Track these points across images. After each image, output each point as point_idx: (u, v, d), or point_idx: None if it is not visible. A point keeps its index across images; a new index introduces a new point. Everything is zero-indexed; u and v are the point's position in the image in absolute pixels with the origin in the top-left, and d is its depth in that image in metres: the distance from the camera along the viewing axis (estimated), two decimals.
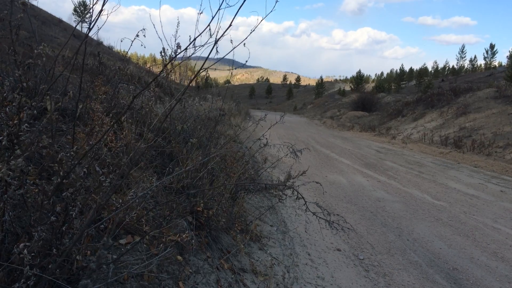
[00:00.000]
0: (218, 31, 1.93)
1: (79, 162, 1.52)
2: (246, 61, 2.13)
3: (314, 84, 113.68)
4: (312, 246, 4.77)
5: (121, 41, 2.87)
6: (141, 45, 2.81)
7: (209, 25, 1.94)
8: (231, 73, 2.75)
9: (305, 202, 2.92)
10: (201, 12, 1.99)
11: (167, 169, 2.82)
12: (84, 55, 2.04)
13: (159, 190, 2.65)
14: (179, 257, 2.36)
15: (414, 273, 4.37)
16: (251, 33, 2.11)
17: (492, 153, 16.17)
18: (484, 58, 79.65)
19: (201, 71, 2.13)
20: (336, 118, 46.01)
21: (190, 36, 2.40)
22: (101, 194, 1.59)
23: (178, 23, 3.04)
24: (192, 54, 2.03)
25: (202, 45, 1.89)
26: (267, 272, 3.36)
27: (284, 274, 3.59)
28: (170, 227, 2.43)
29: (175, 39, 3.49)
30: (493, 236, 5.82)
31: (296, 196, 2.78)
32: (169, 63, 1.97)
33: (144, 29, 2.84)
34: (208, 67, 2.17)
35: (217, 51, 2.07)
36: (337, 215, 3.80)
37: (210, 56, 3.29)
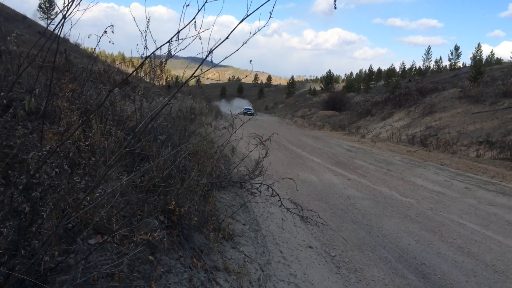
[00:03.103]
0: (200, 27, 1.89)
1: (45, 161, 1.46)
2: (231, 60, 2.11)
3: (285, 83, 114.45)
4: (285, 244, 4.79)
5: (89, 37, 2.79)
6: (109, 42, 2.74)
7: (194, 18, 1.91)
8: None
9: (280, 198, 2.92)
10: (188, 5, 1.95)
11: (135, 166, 2.76)
12: (55, 52, 1.97)
13: (129, 189, 2.60)
14: (150, 257, 2.32)
15: (384, 269, 4.45)
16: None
17: (457, 151, 16.67)
18: (449, 59, 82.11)
19: (197, 73, 2.09)
20: (307, 117, 46.46)
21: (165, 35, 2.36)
22: (75, 196, 1.53)
23: (149, 18, 2.99)
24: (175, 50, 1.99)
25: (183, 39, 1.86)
26: (240, 270, 3.34)
27: (257, 272, 3.59)
28: (141, 226, 2.38)
29: (145, 36, 3.44)
30: (459, 231, 5.99)
31: (271, 193, 2.77)
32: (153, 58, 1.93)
33: (112, 25, 2.77)
34: (204, 72, 2.14)
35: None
36: (311, 210, 3.82)
37: (179, 55, 3.25)
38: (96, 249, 1.85)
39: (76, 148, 2.40)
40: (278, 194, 2.90)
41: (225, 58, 1.91)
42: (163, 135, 3.86)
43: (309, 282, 3.89)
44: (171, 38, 1.93)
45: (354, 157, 14.47)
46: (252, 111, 59.35)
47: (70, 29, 2.34)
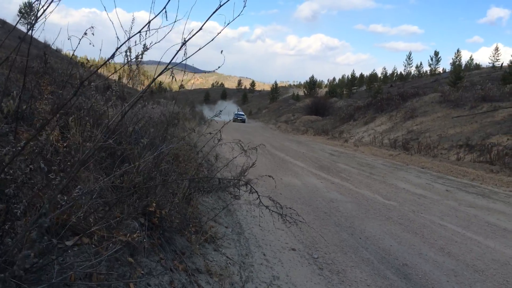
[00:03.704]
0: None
1: (18, 154, 1.43)
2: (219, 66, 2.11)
3: (269, 89, 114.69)
4: (268, 247, 4.78)
5: (68, 39, 2.76)
6: (90, 44, 2.71)
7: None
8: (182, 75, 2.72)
9: (258, 196, 2.92)
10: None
11: (115, 168, 2.73)
12: (27, 53, 1.94)
13: (109, 190, 2.57)
14: (130, 259, 2.29)
15: (366, 270, 4.47)
16: (212, 39, 2.08)
17: (437, 154, 16.90)
18: (429, 65, 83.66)
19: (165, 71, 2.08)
20: (290, 122, 46.60)
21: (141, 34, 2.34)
22: (49, 193, 1.51)
23: (133, 19, 2.96)
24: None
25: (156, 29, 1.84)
26: (222, 272, 3.32)
27: (239, 274, 3.58)
28: (121, 228, 2.35)
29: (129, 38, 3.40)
30: (440, 232, 6.06)
31: (249, 190, 2.77)
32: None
33: (92, 27, 2.74)
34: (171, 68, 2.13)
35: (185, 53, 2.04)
36: (290, 208, 3.82)
37: (159, 60, 3.23)
38: (74, 250, 1.82)
39: (54, 149, 2.37)
40: (256, 191, 2.90)
41: (186, 58, 1.90)
42: (146, 138, 3.84)
43: (291, 284, 3.89)
44: (142, 28, 1.92)
45: (337, 161, 14.56)
46: (244, 117, 55.64)
47: (35, 29, 2.29)
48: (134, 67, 2.15)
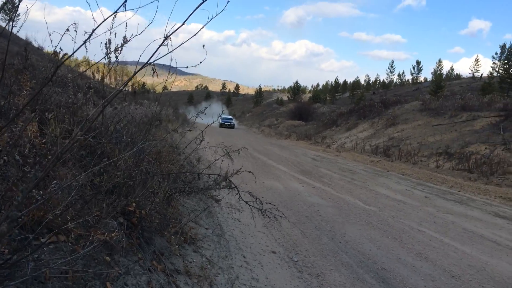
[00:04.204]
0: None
1: None
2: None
3: (253, 93, 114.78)
4: (248, 249, 4.77)
5: (50, 34, 2.71)
6: (72, 40, 2.67)
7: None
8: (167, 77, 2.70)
9: (238, 191, 2.91)
10: None
11: (92, 165, 2.69)
12: (6, 50, 1.90)
13: (87, 188, 2.53)
14: (107, 258, 2.26)
15: (345, 273, 4.50)
16: (190, 38, 2.08)
17: (418, 161, 17.15)
18: (411, 74, 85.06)
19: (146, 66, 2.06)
20: (274, 126, 46.73)
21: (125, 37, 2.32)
22: (23, 186, 1.47)
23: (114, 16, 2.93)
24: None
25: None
26: (202, 273, 3.30)
27: (219, 276, 3.56)
28: (99, 227, 2.32)
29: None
30: (418, 238, 6.14)
31: (229, 186, 2.76)
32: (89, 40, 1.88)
33: (75, 23, 2.70)
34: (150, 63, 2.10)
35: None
36: (269, 203, 3.82)
37: (143, 61, 3.20)
38: (49, 247, 1.78)
39: (31, 145, 2.33)
40: (236, 186, 2.89)
41: (168, 52, 1.89)
42: (127, 138, 3.80)
43: (271, 286, 3.88)
44: (108, 16, 1.90)
45: (319, 166, 14.64)
46: (233, 122, 48.80)
47: (30, 31, 2.26)
48: (114, 59, 2.13)
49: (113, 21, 3.56)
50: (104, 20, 1.89)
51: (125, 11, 1.90)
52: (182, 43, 1.77)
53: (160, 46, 1.79)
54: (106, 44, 2.11)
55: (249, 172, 3.92)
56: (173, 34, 1.83)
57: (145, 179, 3.15)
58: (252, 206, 3.31)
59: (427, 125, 22.86)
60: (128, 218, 2.75)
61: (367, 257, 5.10)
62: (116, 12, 1.93)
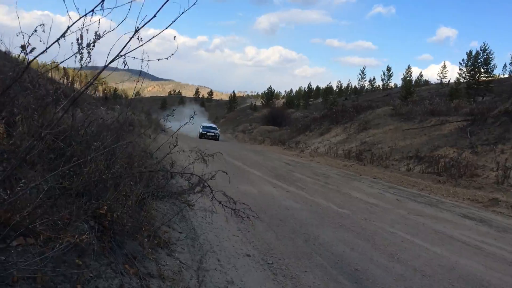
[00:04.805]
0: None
1: None
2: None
3: (227, 98, 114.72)
4: (222, 253, 4.75)
5: (17, 35, 2.65)
6: (40, 41, 2.61)
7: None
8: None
9: (212, 190, 2.90)
10: None
11: (63, 167, 2.63)
12: None
13: (56, 190, 2.46)
14: (78, 261, 2.21)
15: (319, 275, 4.52)
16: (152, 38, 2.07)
17: (389, 165, 17.48)
18: (382, 80, 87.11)
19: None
20: (248, 132, 46.79)
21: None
22: None
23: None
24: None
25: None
26: (175, 277, 3.26)
27: (193, 279, 3.52)
28: (69, 230, 2.26)
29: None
30: (390, 239, 6.24)
31: (202, 188, 2.74)
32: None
33: (43, 24, 2.64)
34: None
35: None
36: (243, 203, 3.81)
37: (117, 67, 3.17)
38: (17, 250, 1.73)
39: None
40: (209, 186, 2.88)
41: (140, 45, 1.87)
42: (99, 142, 3.73)
43: None
44: (85, 14, 1.88)
45: (293, 171, 14.73)
46: (217, 132, 38.08)
47: None
48: (86, 55, 2.08)
49: (85, 20, 3.51)
50: (80, 17, 1.86)
51: (102, 9, 1.87)
52: (153, 36, 1.77)
53: (131, 38, 1.78)
54: (78, 39, 2.07)
55: (223, 172, 3.90)
56: (143, 27, 1.82)
57: (117, 182, 3.10)
58: (225, 206, 3.29)
59: (397, 130, 23.34)
60: (99, 221, 2.70)
61: (341, 258, 5.15)
62: (93, 10, 1.90)
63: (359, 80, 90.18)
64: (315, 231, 6.29)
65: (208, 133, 36.16)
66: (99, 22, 1.98)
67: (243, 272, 4.29)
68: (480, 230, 7.52)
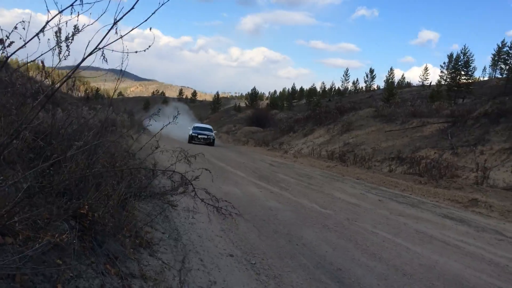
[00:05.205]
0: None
1: None
2: None
3: (211, 99, 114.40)
4: (205, 253, 4.73)
5: None
6: (20, 38, 2.57)
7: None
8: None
9: (194, 188, 2.89)
10: None
11: (41, 161, 2.59)
12: None
13: (36, 189, 2.43)
14: (58, 261, 2.18)
15: (302, 274, 4.55)
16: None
17: (371, 166, 17.65)
18: (365, 81, 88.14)
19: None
20: (231, 133, 46.74)
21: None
22: None
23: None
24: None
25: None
26: (158, 277, 3.24)
27: (175, 279, 3.50)
28: (49, 229, 2.23)
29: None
30: (372, 239, 6.30)
31: (184, 185, 2.73)
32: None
33: (23, 21, 2.61)
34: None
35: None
36: (225, 201, 3.81)
37: (98, 66, 3.14)
38: None
39: None
40: (191, 183, 2.87)
41: (118, 38, 1.87)
42: (80, 141, 3.69)
43: None
44: (65, 8, 1.86)
45: (276, 171, 14.77)
46: (212, 135, 30.31)
47: None
48: (64, 48, 2.06)
49: (61, 17, 3.47)
50: (59, 12, 1.84)
51: (82, 4, 1.85)
52: (133, 28, 1.76)
53: (109, 30, 1.77)
54: (56, 32, 2.05)
55: (206, 169, 3.89)
56: (122, 19, 1.81)
57: (98, 182, 3.07)
58: (208, 204, 3.28)
59: (380, 131, 23.60)
60: (80, 221, 2.67)
61: (324, 258, 5.19)
62: (72, 5, 1.88)
63: (343, 81, 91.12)
64: (298, 232, 6.32)
65: (199, 136, 28.82)
66: (78, 16, 1.96)
67: (226, 272, 4.29)
68: (459, 229, 7.65)
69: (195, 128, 30.56)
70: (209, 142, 28.50)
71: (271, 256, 5.04)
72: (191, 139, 28.54)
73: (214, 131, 31.86)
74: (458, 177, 13.89)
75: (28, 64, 2.78)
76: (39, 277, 1.92)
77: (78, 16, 1.97)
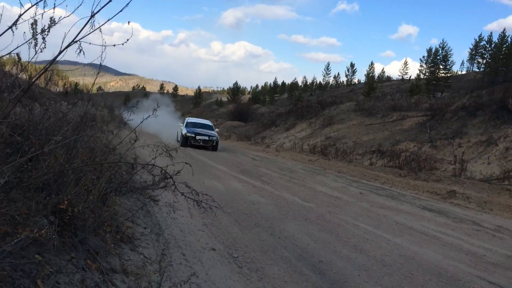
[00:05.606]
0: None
1: None
2: None
3: (192, 94, 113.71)
4: (187, 247, 4.73)
5: None
6: None
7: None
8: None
9: (174, 182, 2.88)
10: None
11: (21, 162, 2.56)
12: None
13: (14, 184, 2.39)
14: (37, 256, 2.15)
15: (284, 267, 4.59)
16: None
17: (353, 160, 17.85)
18: (346, 75, 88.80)
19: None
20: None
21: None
22: None
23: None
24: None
25: None
26: (139, 271, 3.23)
27: (157, 273, 3.50)
28: (28, 224, 2.21)
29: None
30: (353, 231, 6.40)
31: (164, 177, 2.73)
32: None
33: None
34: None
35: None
36: (206, 194, 3.81)
37: (76, 60, 3.10)
38: None
39: None
40: (171, 177, 2.86)
41: (94, 29, 1.84)
42: (59, 136, 3.64)
43: (211, 282, 3.88)
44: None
45: (259, 166, 14.81)
46: (216, 136, 20.57)
47: None
48: (40, 41, 2.02)
49: (37, 9, 3.41)
50: (33, 5, 1.81)
51: None
52: (109, 19, 1.74)
53: (86, 23, 1.75)
54: (32, 24, 2.01)
55: (186, 163, 3.87)
56: (99, 11, 1.79)
57: (78, 177, 3.04)
58: (188, 198, 3.28)
59: (361, 125, 23.83)
60: (59, 216, 2.64)
61: (305, 251, 5.24)
62: None
63: (324, 76, 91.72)
64: (280, 225, 6.37)
65: (197, 137, 19.83)
66: (54, 8, 1.93)
67: (209, 265, 4.30)
68: (438, 221, 7.82)
69: (189, 124, 21.54)
70: (212, 145, 20.06)
71: (253, 250, 5.07)
72: (186, 140, 19.73)
73: (216, 129, 23.03)
74: (437, 170, 14.15)
75: (4, 58, 2.72)
76: (18, 273, 1.90)
77: (54, 8, 1.94)
